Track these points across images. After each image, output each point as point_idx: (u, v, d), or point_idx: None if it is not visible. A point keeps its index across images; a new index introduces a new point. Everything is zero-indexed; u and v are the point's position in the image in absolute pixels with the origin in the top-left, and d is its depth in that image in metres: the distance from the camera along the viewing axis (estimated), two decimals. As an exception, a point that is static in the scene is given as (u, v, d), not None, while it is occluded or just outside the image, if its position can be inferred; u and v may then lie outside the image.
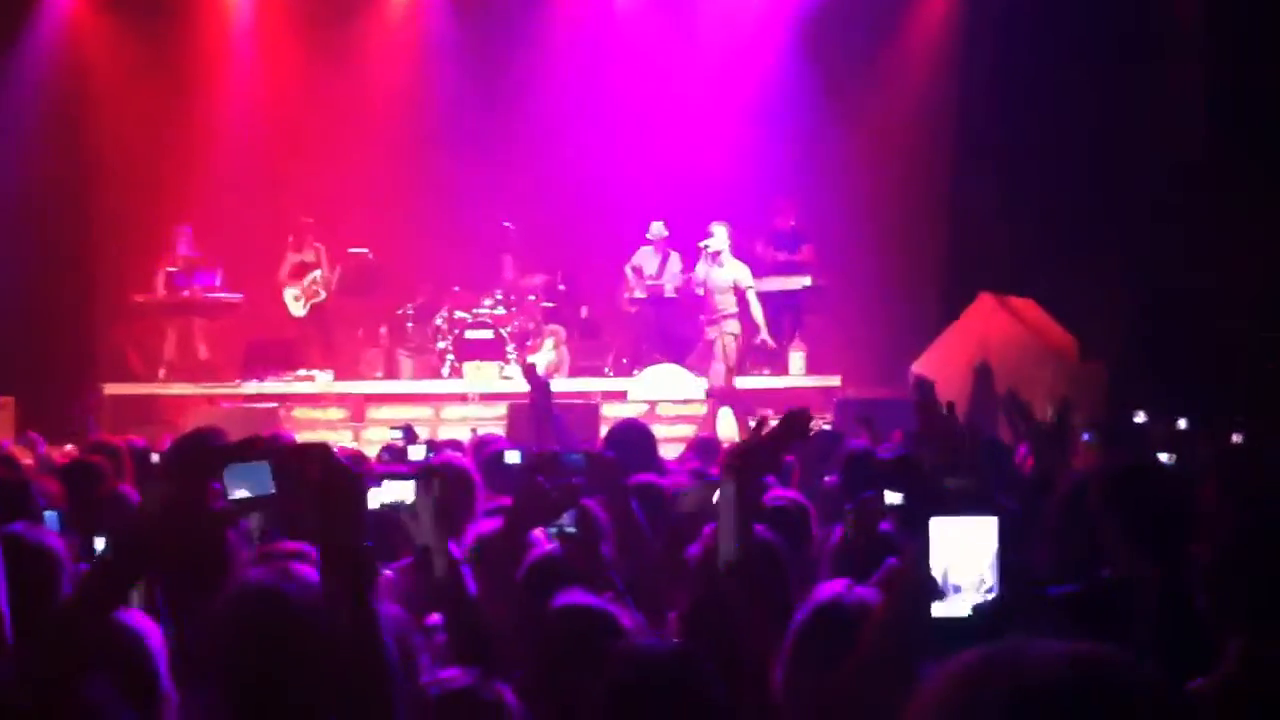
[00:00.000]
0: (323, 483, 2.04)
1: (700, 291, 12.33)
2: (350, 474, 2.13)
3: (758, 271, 12.94)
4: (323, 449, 2.12)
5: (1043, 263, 12.80)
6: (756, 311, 12.23)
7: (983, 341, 11.71)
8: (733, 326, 12.11)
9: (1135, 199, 12.87)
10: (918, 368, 12.26)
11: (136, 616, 2.70)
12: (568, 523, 3.41)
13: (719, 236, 12.08)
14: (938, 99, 14.12)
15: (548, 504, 3.44)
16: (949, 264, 13.60)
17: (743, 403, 12.06)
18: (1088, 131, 13.10)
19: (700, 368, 12.78)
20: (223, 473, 2.12)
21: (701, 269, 12.25)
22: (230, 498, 2.13)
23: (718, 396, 12.04)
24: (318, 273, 13.41)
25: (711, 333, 12.21)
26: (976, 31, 13.77)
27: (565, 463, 5.62)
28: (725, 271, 12.10)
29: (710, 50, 14.67)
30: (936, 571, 2.16)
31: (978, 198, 13.44)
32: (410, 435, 7.45)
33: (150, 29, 14.34)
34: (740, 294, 12.11)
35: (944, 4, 14.46)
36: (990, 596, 2.12)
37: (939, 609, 2.14)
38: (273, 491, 2.12)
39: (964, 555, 2.10)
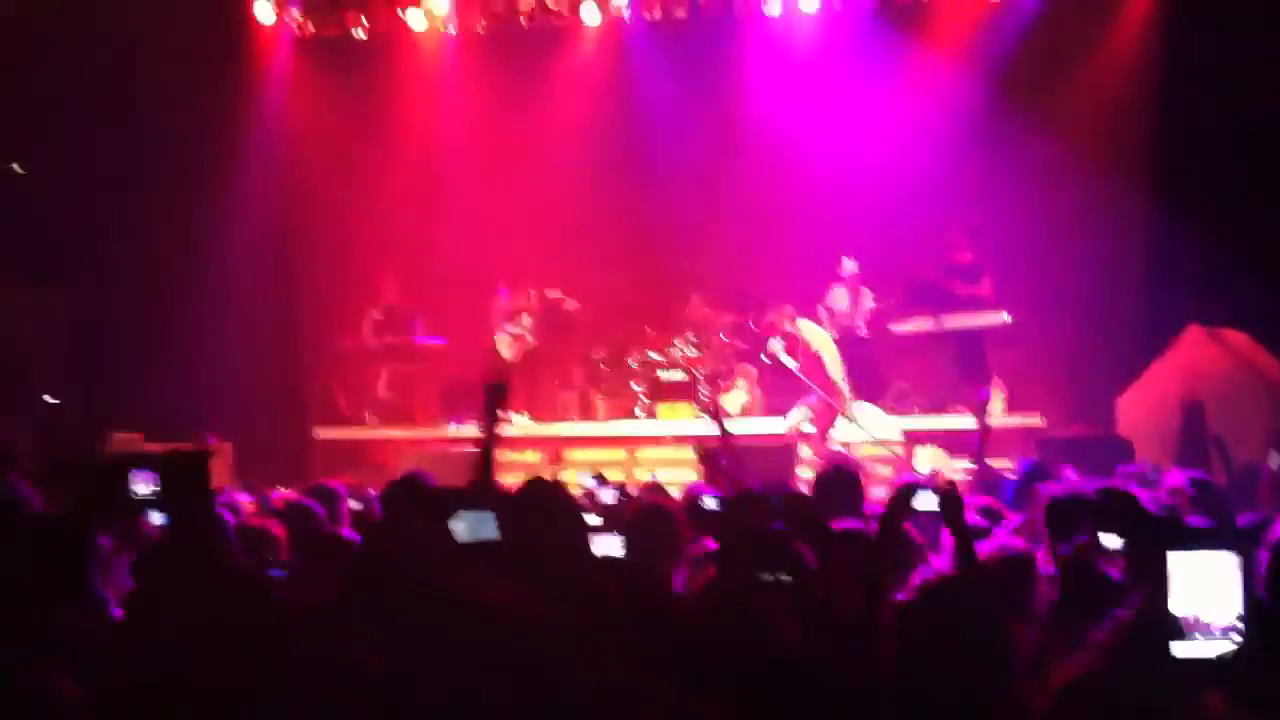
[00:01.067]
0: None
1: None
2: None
3: (939, 307, 12.80)
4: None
5: (1255, 292, 12.25)
6: (834, 371, 12.02)
7: (1193, 376, 11.29)
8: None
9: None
10: (1125, 402, 11.90)
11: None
12: (782, 574, 3.39)
13: (786, 318, 12.09)
14: (1132, 114, 13.61)
15: (761, 552, 3.43)
16: (1154, 295, 13.09)
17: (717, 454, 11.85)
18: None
19: (896, 407, 12.61)
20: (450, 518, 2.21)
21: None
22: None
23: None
24: (526, 318, 13.71)
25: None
26: (1179, 37, 13.25)
27: (765, 504, 5.62)
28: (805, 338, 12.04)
29: (892, 78, 14.51)
30: (1178, 609, 2.07)
31: (1182, 222, 12.94)
32: (601, 480, 7.52)
33: (354, 76, 14.91)
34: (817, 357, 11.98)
35: (1141, 12, 13.97)
36: (1235, 637, 2.02)
37: (1182, 649, 2.05)
38: (497, 537, 2.21)
39: (1206, 593, 2.01)
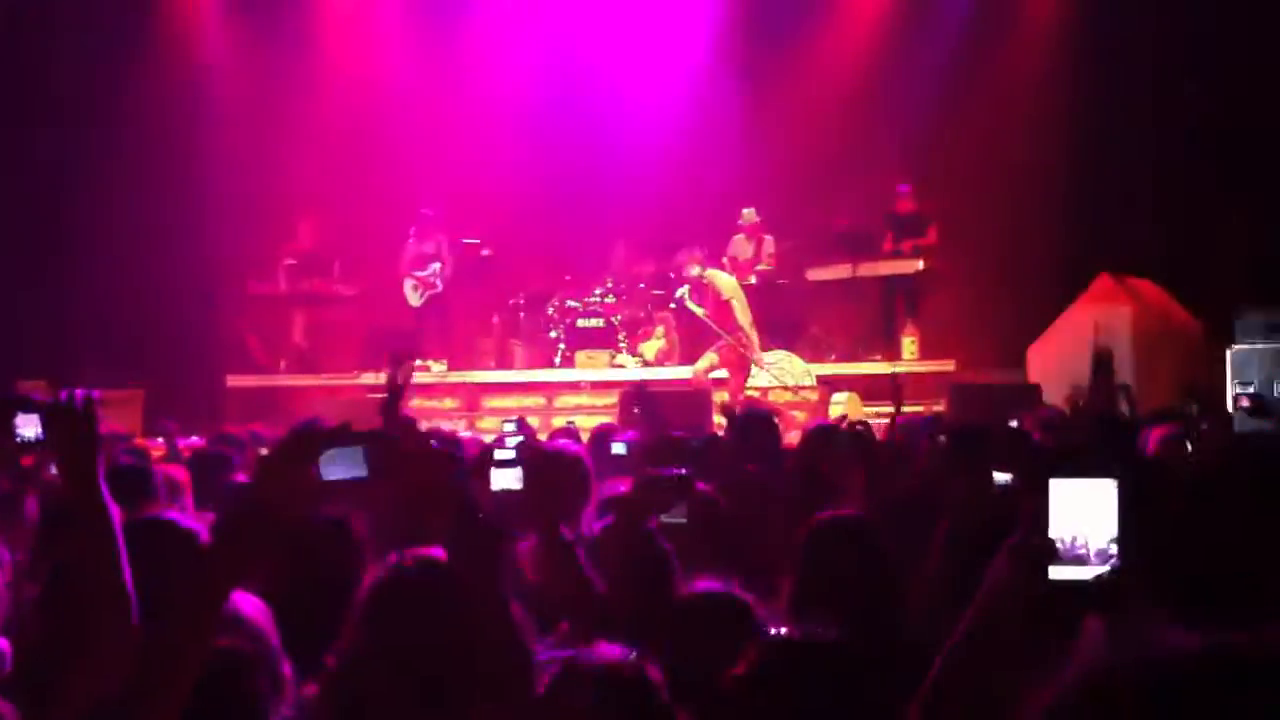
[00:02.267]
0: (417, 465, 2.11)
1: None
2: (442, 457, 2.18)
3: (858, 255, 12.98)
4: (415, 433, 2.19)
5: (1164, 243, 12.49)
6: (743, 319, 11.94)
7: (1103, 324, 11.47)
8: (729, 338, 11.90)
9: (1263, 175, 12.46)
10: (1035, 350, 12.08)
11: (246, 598, 2.78)
12: (679, 514, 3.40)
13: (694, 266, 11.96)
14: (1056, 75, 13.81)
15: (661, 495, 3.45)
16: (1067, 245, 13.30)
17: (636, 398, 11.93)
18: (1211, 105, 12.71)
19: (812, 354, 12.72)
20: (318, 457, 2.19)
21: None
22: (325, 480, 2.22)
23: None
24: (437, 265, 13.59)
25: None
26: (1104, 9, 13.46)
27: (686, 448, 5.64)
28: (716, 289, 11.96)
29: (819, 31, 14.55)
30: (1059, 535, 2.12)
31: (1096, 176, 13.16)
32: (522, 425, 7.49)
33: (268, 20, 14.65)
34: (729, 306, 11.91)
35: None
36: (1112, 564, 2.07)
37: (1058, 573, 2.10)
38: (365, 475, 2.21)
39: (1088, 520, 2.06)
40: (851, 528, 3.45)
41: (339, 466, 2.10)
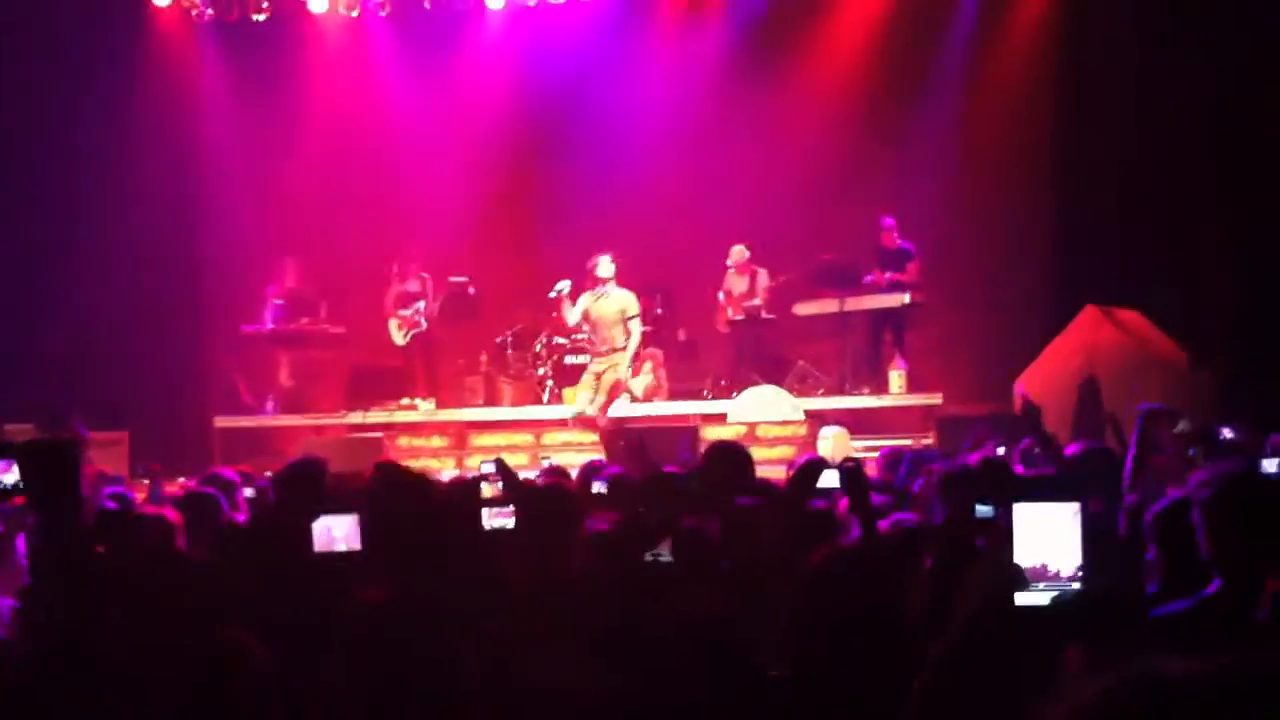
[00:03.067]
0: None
1: (584, 327, 12.13)
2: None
3: (845, 289, 13.00)
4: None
5: (1150, 274, 12.55)
6: (633, 343, 12.03)
7: (1089, 355, 11.51)
8: (622, 359, 11.91)
9: (1246, 208, 12.54)
10: (1022, 382, 12.10)
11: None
12: (664, 552, 3.39)
13: (604, 266, 11.84)
14: (1039, 106, 13.90)
15: (647, 533, 3.44)
16: (1053, 277, 13.36)
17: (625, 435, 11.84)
18: (1198, 137, 12.80)
19: (800, 388, 12.72)
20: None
21: (585, 300, 11.95)
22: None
23: (606, 433, 11.57)
24: (421, 303, 13.58)
25: (599, 365, 12.00)
26: (1078, 32, 13.56)
27: (678, 484, 5.63)
28: (612, 302, 11.88)
29: (803, 64, 14.64)
30: (1028, 561, 2.11)
31: (1082, 208, 13.23)
32: (501, 465, 7.45)
33: (251, 61, 14.71)
34: (626, 325, 11.91)
35: (1042, 6, 14.24)
36: (1076, 584, 2.07)
37: (1025, 599, 2.09)
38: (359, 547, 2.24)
39: (1056, 545, 2.06)
40: (854, 562, 3.44)
41: (330, 535, 2.11)
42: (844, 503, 4.99)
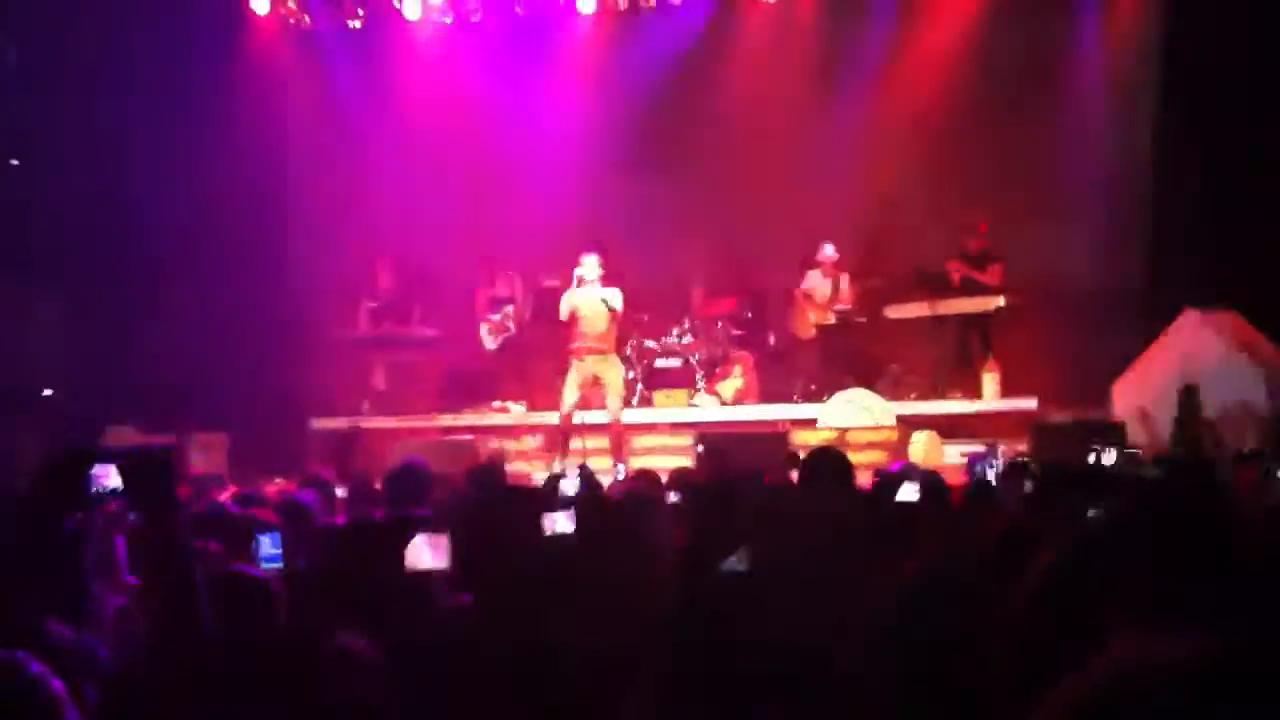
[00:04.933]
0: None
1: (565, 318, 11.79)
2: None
3: (936, 292, 12.92)
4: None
5: (1250, 275, 12.27)
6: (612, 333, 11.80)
7: (1188, 360, 11.30)
8: (611, 357, 11.71)
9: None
10: (1119, 387, 11.91)
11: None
12: (737, 562, 3.37)
13: (590, 266, 11.58)
14: (1136, 105, 13.67)
15: (720, 541, 3.41)
16: (1151, 278, 13.12)
17: (622, 439, 11.73)
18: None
19: (892, 392, 12.63)
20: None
21: (571, 297, 11.66)
22: None
23: (618, 433, 11.61)
24: (509, 307, 13.69)
25: (587, 365, 11.66)
26: (1178, 28, 13.29)
27: (737, 493, 5.62)
28: (599, 298, 11.61)
29: (899, 66, 14.53)
30: None
31: (1181, 207, 12.96)
32: (585, 472, 7.50)
33: (346, 67, 14.95)
34: (614, 316, 11.64)
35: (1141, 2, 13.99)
36: None
37: None
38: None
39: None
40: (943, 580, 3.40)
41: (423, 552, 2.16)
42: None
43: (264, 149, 14.29)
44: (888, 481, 5.45)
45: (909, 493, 4.82)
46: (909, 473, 5.68)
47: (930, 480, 5.22)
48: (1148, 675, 1.12)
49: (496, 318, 13.74)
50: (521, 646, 2.47)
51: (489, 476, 6.45)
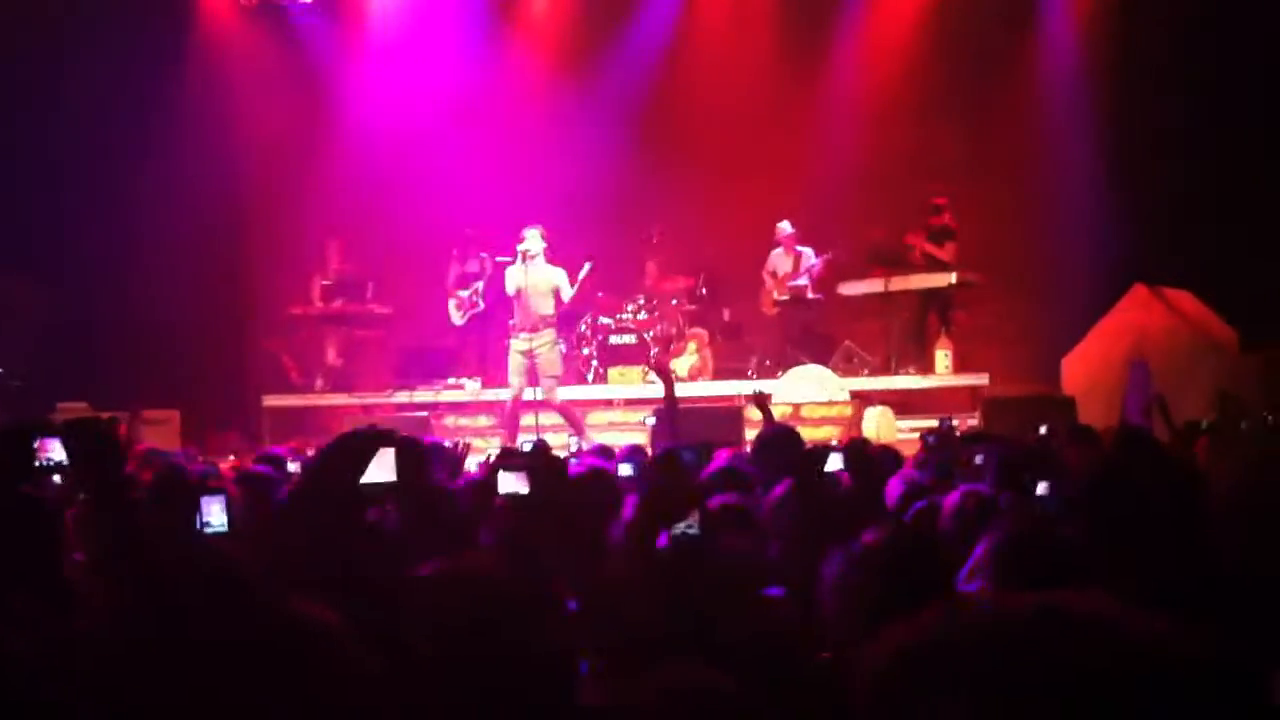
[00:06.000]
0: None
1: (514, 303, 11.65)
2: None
3: (891, 268, 13.01)
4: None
5: (1200, 252, 12.44)
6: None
7: (1138, 335, 11.44)
8: (549, 334, 11.58)
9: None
10: (1070, 361, 12.04)
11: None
12: (691, 524, 3.37)
13: (532, 239, 11.44)
14: (1090, 85, 13.81)
15: (670, 506, 3.42)
16: (1102, 255, 13.26)
17: (574, 414, 11.73)
18: (1249, 113, 12.65)
19: (845, 368, 12.71)
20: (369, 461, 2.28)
21: (515, 273, 11.53)
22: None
23: (563, 411, 11.57)
24: (479, 284, 13.63)
25: (523, 343, 11.52)
26: (1128, 11, 13.45)
27: (684, 460, 5.66)
28: (543, 275, 11.50)
29: (855, 43, 14.60)
30: None
31: (1131, 186, 13.11)
32: (541, 444, 7.53)
33: (297, 43, 14.82)
34: (558, 298, 11.54)
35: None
36: None
37: None
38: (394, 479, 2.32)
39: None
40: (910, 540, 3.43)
41: (372, 470, 2.22)
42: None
43: (216, 126, 14.14)
44: (816, 454, 5.49)
45: (835, 464, 4.91)
46: (832, 447, 5.76)
47: (856, 450, 5.30)
48: (963, 625, 1.21)
49: (465, 294, 13.69)
50: (481, 605, 2.48)
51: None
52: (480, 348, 13.82)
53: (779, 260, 13.66)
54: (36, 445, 2.84)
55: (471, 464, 7.02)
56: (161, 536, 4.20)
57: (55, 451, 2.85)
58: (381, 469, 2.33)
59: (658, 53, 14.74)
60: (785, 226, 13.57)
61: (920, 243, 13.24)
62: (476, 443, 11.51)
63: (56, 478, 4.60)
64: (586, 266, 11.77)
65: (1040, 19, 14.34)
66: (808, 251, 13.53)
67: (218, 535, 3.84)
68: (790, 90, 14.42)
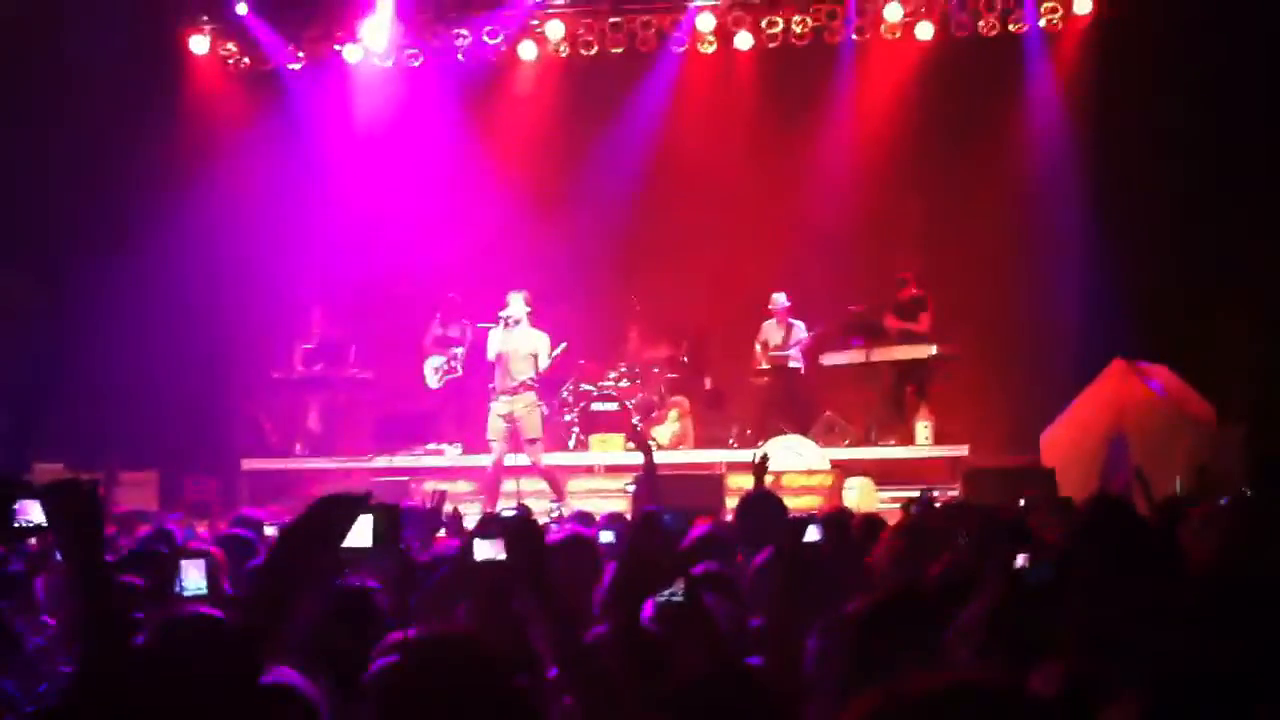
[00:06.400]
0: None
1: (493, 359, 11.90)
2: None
3: (871, 340, 13.07)
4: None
5: (1178, 328, 12.54)
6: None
7: (1117, 409, 11.47)
8: (530, 397, 11.76)
9: (1276, 260, 12.51)
10: (1049, 435, 12.06)
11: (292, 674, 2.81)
12: (675, 591, 3.36)
13: (515, 304, 11.73)
14: (1065, 159, 13.97)
15: (656, 574, 3.40)
16: (1081, 330, 13.35)
17: (557, 477, 11.90)
18: (1221, 190, 12.82)
19: (826, 438, 12.74)
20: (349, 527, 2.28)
21: (497, 337, 11.81)
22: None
23: (546, 474, 11.77)
24: (459, 349, 13.65)
25: (503, 406, 11.74)
26: (1106, 86, 13.64)
27: (665, 525, 5.65)
28: (525, 339, 11.74)
29: (832, 114, 14.76)
30: None
31: (1110, 262, 13.24)
32: (522, 510, 7.53)
33: (285, 110, 14.93)
34: (537, 364, 11.75)
35: (1070, 57, 14.32)
36: None
37: None
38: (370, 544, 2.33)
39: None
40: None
41: (350, 536, 2.23)
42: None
43: (202, 190, 14.18)
44: (798, 522, 5.51)
45: (813, 534, 4.92)
46: (813, 517, 5.77)
47: (835, 520, 5.33)
48: (904, 700, 1.44)
49: (442, 359, 13.69)
50: (458, 669, 2.47)
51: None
52: (458, 414, 13.81)
53: (771, 331, 13.73)
54: (15, 507, 2.81)
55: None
56: (137, 602, 4.17)
57: (34, 514, 2.82)
58: (359, 535, 2.34)
59: (642, 122, 14.87)
60: (780, 299, 13.66)
61: (895, 324, 13.36)
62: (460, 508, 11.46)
63: (32, 540, 4.58)
64: (562, 345, 11.89)
65: (1023, 92, 14.51)
66: (799, 325, 13.61)
67: (196, 598, 3.81)
68: (774, 161, 14.55)
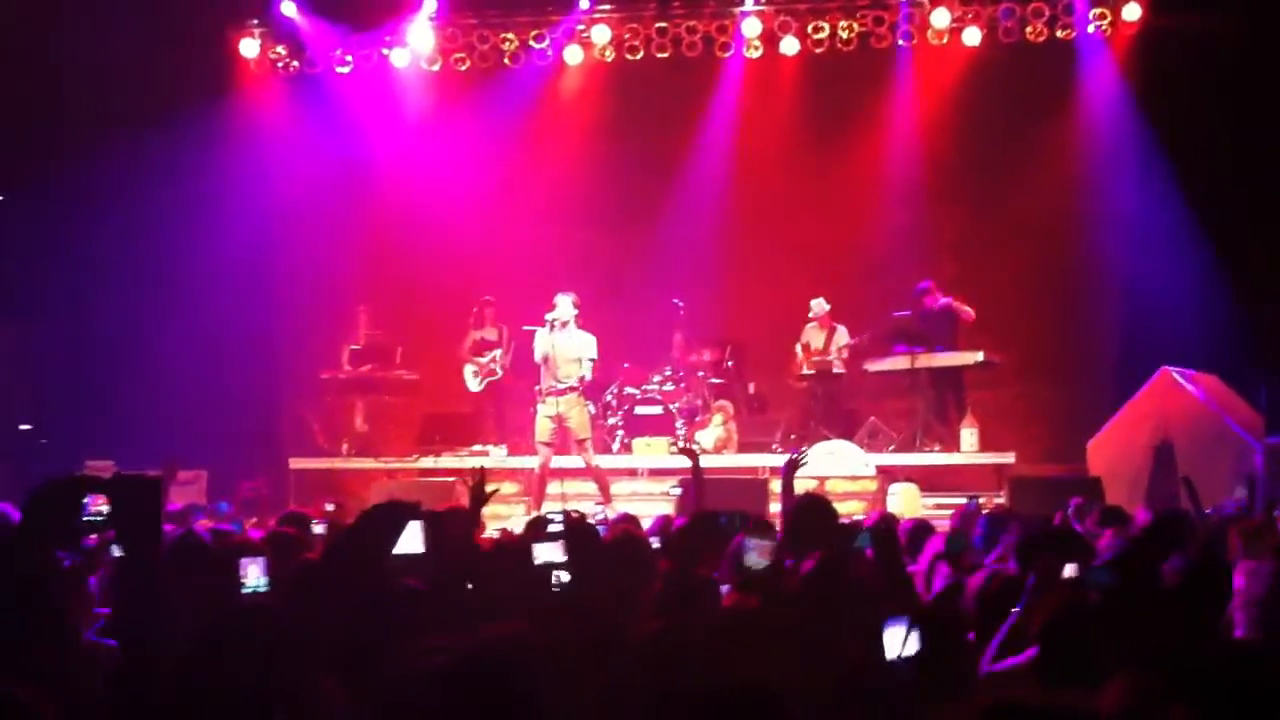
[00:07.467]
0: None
1: (539, 361, 11.92)
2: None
3: (914, 346, 13.01)
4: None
5: (1226, 336, 12.44)
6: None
7: (1163, 419, 11.40)
8: (575, 398, 11.79)
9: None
10: (1095, 444, 12.00)
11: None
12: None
13: (564, 306, 11.78)
14: (1115, 163, 13.89)
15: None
16: (1127, 338, 13.27)
17: (605, 479, 11.93)
18: (1271, 196, 12.71)
19: (870, 444, 12.71)
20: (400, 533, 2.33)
21: (544, 339, 11.85)
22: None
23: (596, 475, 11.85)
24: (497, 352, 13.73)
25: (550, 408, 11.77)
26: (1150, 98, 13.56)
27: (720, 523, 5.70)
28: (572, 341, 11.80)
29: (877, 120, 14.73)
30: None
31: (1155, 268, 13.15)
32: (567, 517, 7.54)
33: (333, 112, 15.06)
34: (582, 364, 11.79)
35: (1112, 70, 14.23)
36: None
37: None
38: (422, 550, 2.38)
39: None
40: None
41: (401, 542, 2.27)
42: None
43: (252, 191, 14.33)
44: (848, 528, 5.55)
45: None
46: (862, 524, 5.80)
47: (882, 529, 5.37)
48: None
49: (484, 360, 13.78)
50: (495, 678, 2.51)
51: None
52: (498, 416, 13.89)
53: (812, 334, 13.72)
54: (85, 501, 2.88)
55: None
56: (193, 597, 4.24)
57: (101, 506, 2.89)
58: (410, 541, 2.39)
59: (687, 127, 14.90)
60: (820, 304, 13.64)
61: (927, 328, 13.24)
62: (500, 510, 11.56)
63: (94, 535, 4.65)
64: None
65: (1072, 97, 14.43)
66: (842, 329, 13.59)
67: (257, 593, 3.87)
68: (818, 166, 14.54)
